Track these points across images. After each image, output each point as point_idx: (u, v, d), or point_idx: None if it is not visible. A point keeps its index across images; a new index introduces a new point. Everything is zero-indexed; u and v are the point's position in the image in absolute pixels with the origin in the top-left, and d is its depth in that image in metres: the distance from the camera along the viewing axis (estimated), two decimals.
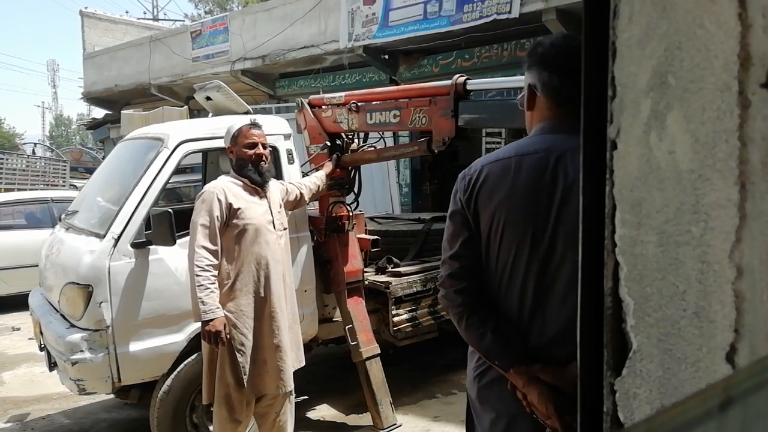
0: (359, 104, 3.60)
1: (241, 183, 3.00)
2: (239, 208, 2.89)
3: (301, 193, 3.45)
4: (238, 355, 2.89)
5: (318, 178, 3.65)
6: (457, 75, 3.10)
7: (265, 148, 3.09)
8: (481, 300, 1.56)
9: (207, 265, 2.77)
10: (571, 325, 1.32)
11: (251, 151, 3.01)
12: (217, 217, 2.83)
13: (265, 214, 3.01)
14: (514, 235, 1.48)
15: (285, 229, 3.16)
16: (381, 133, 3.92)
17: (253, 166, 3.01)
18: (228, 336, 2.82)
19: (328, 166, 3.78)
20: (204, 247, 2.78)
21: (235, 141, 3.04)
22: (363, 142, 4.04)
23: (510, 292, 1.51)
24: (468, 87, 3.03)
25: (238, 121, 3.17)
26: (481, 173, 1.54)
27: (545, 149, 1.47)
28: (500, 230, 1.49)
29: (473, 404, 1.64)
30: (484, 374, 1.58)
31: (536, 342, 1.47)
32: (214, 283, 2.79)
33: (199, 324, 2.85)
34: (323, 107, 3.89)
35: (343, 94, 3.78)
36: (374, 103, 3.58)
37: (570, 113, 1.46)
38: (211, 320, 2.74)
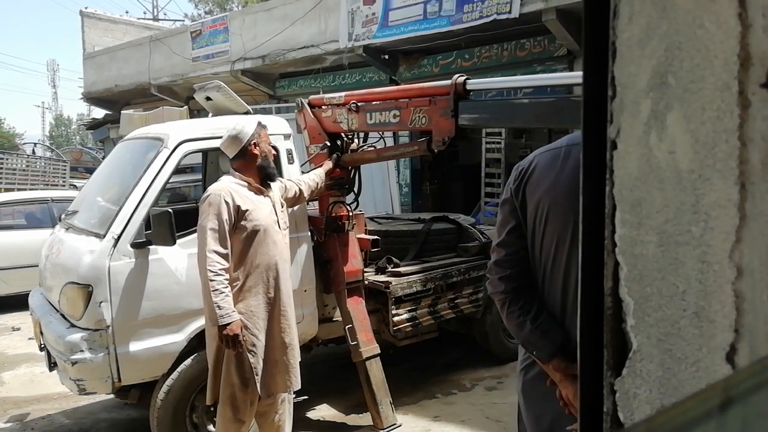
0: (359, 104, 3.59)
1: (245, 183, 2.99)
2: (247, 210, 2.88)
3: (300, 190, 3.45)
4: (249, 356, 2.88)
5: (317, 176, 3.65)
6: (457, 75, 3.10)
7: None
8: (524, 288, 1.55)
9: (220, 269, 2.76)
10: None
11: (273, 151, 3.14)
12: (226, 220, 2.81)
13: (270, 214, 3.01)
14: (555, 225, 1.47)
15: (288, 227, 3.18)
16: (381, 133, 3.92)
17: (273, 163, 3.13)
18: (245, 338, 2.82)
19: (328, 165, 3.78)
20: (215, 251, 2.77)
21: (260, 137, 3.07)
22: (363, 142, 4.04)
23: (553, 284, 1.51)
24: (468, 87, 3.03)
25: (250, 120, 3.19)
26: (532, 163, 1.55)
27: None
28: (543, 219, 1.49)
29: (519, 396, 1.65)
30: (530, 368, 1.59)
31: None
32: (227, 287, 2.79)
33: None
34: (323, 107, 3.89)
35: (342, 94, 3.78)
36: (374, 103, 3.58)
37: None
38: (228, 324, 2.74)
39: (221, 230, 2.80)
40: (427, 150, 3.32)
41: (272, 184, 3.14)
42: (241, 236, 2.87)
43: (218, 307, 2.72)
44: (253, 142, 3.03)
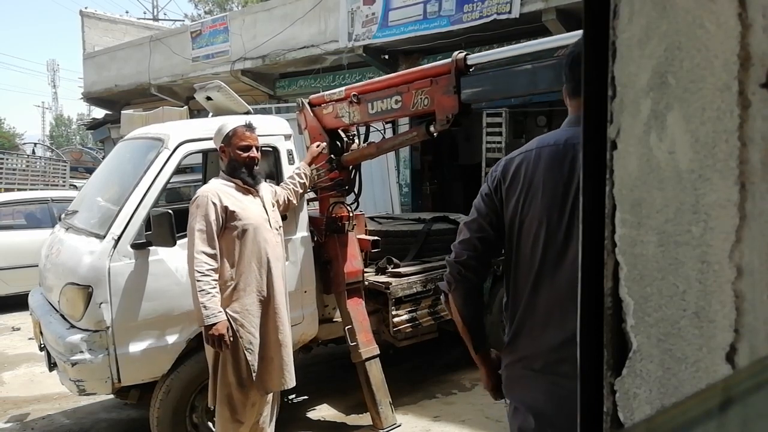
0: (360, 96, 3.54)
1: (233, 184, 3.01)
2: (235, 211, 2.90)
3: (288, 199, 3.45)
4: (247, 353, 2.90)
5: (299, 176, 3.59)
6: (457, 51, 3.03)
7: (258, 150, 3.09)
8: (481, 281, 1.69)
9: (207, 270, 2.78)
10: None
11: (245, 154, 3.02)
12: (214, 220, 2.83)
13: (261, 213, 3.02)
14: (531, 227, 1.49)
15: (280, 226, 3.17)
16: (383, 127, 3.89)
17: (246, 168, 3.02)
18: (231, 339, 2.82)
19: (311, 153, 3.75)
20: (203, 252, 2.79)
21: (229, 141, 3.03)
22: (364, 141, 4.02)
23: (523, 285, 1.54)
24: (469, 62, 2.96)
25: (231, 121, 3.17)
26: (505, 167, 1.58)
27: (564, 141, 1.49)
28: (518, 222, 1.52)
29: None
30: (511, 370, 1.64)
31: (552, 341, 1.47)
32: (215, 288, 2.80)
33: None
34: (324, 105, 3.86)
35: (343, 88, 3.74)
36: (375, 92, 3.51)
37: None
38: (214, 324, 2.75)
39: (209, 231, 2.82)
40: (427, 133, 3.24)
41: (262, 184, 3.14)
42: (231, 235, 2.89)
43: (204, 307, 2.74)
44: (219, 146, 3.07)
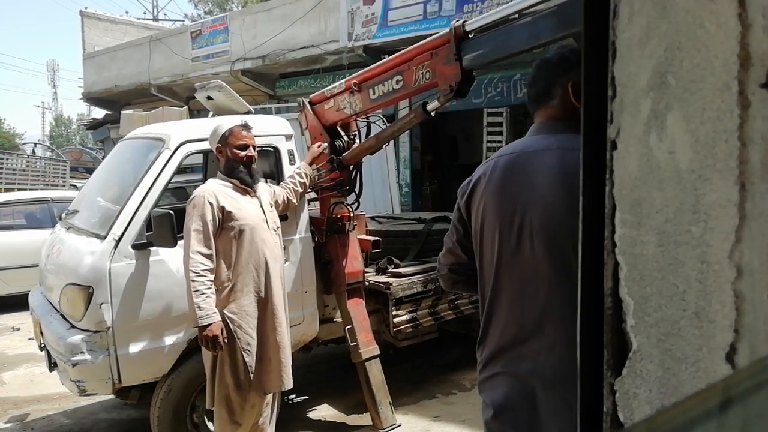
0: (360, 84, 3.48)
1: (230, 184, 3.00)
2: (231, 211, 2.89)
3: (287, 199, 3.45)
4: (244, 354, 2.89)
5: (299, 176, 3.58)
6: (455, 19, 2.97)
7: (254, 149, 3.09)
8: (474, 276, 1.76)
9: (203, 270, 2.77)
10: (545, 315, 1.43)
11: (242, 153, 3.01)
12: (210, 221, 2.82)
13: (258, 213, 3.02)
14: (488, 235, 1.57)
15: (278, 227, 3.17)
16: (383, 122, 3.87)
17: (244, 167, 3.02)
18: (225, 340, 2.81)
19: (312, 153, 3.74)
20: (199, 252, 2.78)
21: (225, 141, 3.02)
22: (365, 137, 3.99)
23: (485, 291, 1.61)
24: (467, 27, 2.87)
25: (227, 121, 3.16)
26: (472, 179, 1.66)
27: (519, 150, 1.57)
28: (480, 232, 1.60)
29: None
30: (482, 370, 1.70)
31: (514, 338, 1.54)
32: (210, 288, 2.78)
33: None
34: (325, 100, 3.82)
35: (342, 81, 3.68)
36: (375, 77, 3.43)
37: (545, 116, 1.58)
38: (208, 325, 2.74)
39: (205, 231, 2.81)
40: (424, 113, 3.17)
41: (260, 184, 3.14)
42: (228, 236, 2.88)
43: (198, 307, 2.73)
44: (216, 146, 3.06)
